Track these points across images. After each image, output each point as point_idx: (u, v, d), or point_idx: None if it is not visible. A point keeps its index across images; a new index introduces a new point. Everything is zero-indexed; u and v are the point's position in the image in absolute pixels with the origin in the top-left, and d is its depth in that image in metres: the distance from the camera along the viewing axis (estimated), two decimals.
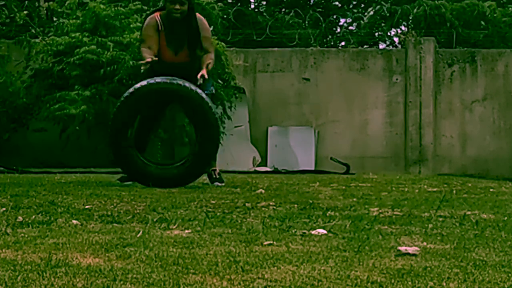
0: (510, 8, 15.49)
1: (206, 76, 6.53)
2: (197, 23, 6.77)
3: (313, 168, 11.29)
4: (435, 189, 6.73)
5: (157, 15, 6.84)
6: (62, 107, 9.90)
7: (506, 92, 11.88)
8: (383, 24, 16.25)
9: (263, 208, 4.57)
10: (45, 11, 12.93)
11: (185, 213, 4.20)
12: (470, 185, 7.65)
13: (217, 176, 6.84)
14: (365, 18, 16.19)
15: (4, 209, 4.26)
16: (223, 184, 6.72)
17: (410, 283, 2.36)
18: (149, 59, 6.47)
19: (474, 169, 11.67)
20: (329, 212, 4.32)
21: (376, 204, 5.02)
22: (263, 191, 6.02)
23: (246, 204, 4.77)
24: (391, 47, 16.43)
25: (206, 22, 6.99)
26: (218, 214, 4.20)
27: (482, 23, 14.70)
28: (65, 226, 3.57)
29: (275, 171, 10.69)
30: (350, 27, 17.48)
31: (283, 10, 17.78)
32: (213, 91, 7.04)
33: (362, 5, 18.33)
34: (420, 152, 11.76)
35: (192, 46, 6.78)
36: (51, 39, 10.50)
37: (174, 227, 3.58)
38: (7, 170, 8.96)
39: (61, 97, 10.02)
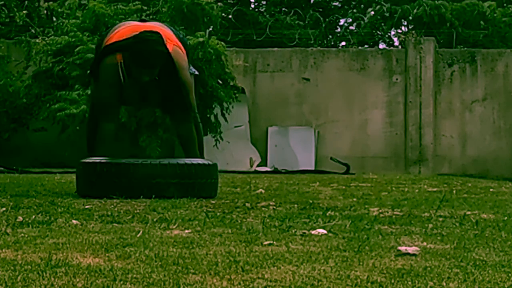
0: (510, 8, 15.49)
1: None
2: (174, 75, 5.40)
3: (313, 168, 11.29)
4: (435, 189, 6.73)
5: (119, 59, 5.36)
6: (62, 107, 9.90)
7: (506, 92, 11.88)
8: (383, 24, 16.25)
9: (263, 208, 4.57)
10: (45, 11, 12.94)
11: (185, 213, 4.20)
12: (470, 185, 7.65)
13: None
14: (365, 18, 16.20)
15: (4, 209, 4.25)
16: None
17: (410, 283, 2.36)
18: None
19: (474, 169, 11.67)
20: (329, 212, 4.32)
21: (376, 204, 5.02)
22: (263, 191, 6.02)
23: (246, 204, 4.77)
24: (391, 47, 16.43)
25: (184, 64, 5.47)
26: (218, 214, 4.19)
27: (482, 23, 14.70)
28: (65, 226, 3.56)
29: (275, 171, 10.69)
30: (350, 27, 17.48)
31: (283, 10, 17.78)
32: (195, 72, 6.00)
33: (362, 6, 18.33)
34: (420, 152, 11.76)
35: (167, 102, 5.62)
36: (51, 39, 10.51)
37: (174, 227, 3.58)
38: (7, 170, 8.96)
39: (61, 97, 10.03)
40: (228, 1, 16.58)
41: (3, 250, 2.84)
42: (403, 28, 16.33)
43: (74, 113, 9.79)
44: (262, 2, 18.87)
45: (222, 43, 10.75)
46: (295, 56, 12.01)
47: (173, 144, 10.54)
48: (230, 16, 14.43)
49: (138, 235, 3.25)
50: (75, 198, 5.02)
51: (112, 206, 4.55)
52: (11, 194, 5.26)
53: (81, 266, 2.53)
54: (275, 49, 12.25)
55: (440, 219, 4.12)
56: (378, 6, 15.94)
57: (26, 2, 12.70)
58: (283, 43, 13.23)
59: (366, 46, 16.07)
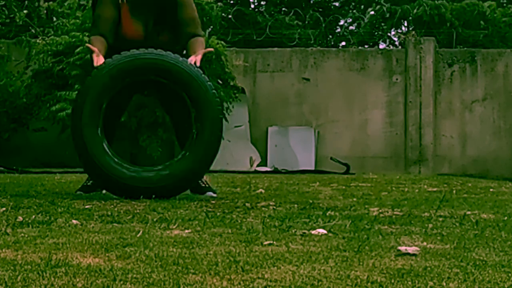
0: (510, 8, 15.49)
1: (199, 63, 5.16)
2: None
3: (313, 168, 11.29)
4: (435, 189, 6.73)
5: None
6: (62, 107, 9.90)
7: (506, 92, 11.88)
8: (383, 24, 16.25)
9: (263, 208, 4.57)
10: (45, 11, 12.93)
11: (185, 213, 4.20)
12: (470, 185, 7.65)
13: (207, 185, 5.56)
14: (365, 18, 16.20)
15: (4, 209, 4.25)
16: (215, 195, 5.47)
17: (410, 283, 2.36)
18: (95, 56, 5.35)
19: (474, 169, 11.67)
20: (329, 212, 4.32)
21: (376, 204, 5.02)
22: (263, 191, 6.02)
23: (246, 204, 4.77)
24: (391, 47, 16.43)
25: None
26: (218, 214, 4.19)
27: (482, 23, 14.70)
28: (65, 226, 3.56)
29: (275, 171, 10.69)
30: (350, 27, 17.49)
31: (283, 10, 17.79)
32: None
33: (362, 6, 18.35)
34: (420, 152, 11.76)
35: (169, 23, 5.42)
36: (51, 39, 10.50)
37: (174, 227, 3.58)
38: (7, 170, 8.97)
39: (61, 97, 10.02)
40: (228, 1, 16.59)
41: (3, 250, 2.84)
42: (403, 28, 16.33)
43: None
44: (262, 2, 18.88)
45: (222, 42, 10.75)
46: (295, 56, 12.01)
47: (173, 144, 10.54)
48: (230, 16, 14.43)
49: (138, 235, 3.25)
50: (75, 198, 5.02)
51: (112, 206, 4.55)
52: (11, 194, 5.26)
53: (81, 266, 2.53)
54: (275, 49, 12.25)
55: (440, 219, 4.12)
56: (378, 6, 15.95)
57: (26, 2, 12.70)
58: (283, 43, 13.23)
59: (366, 46, 16.07)
